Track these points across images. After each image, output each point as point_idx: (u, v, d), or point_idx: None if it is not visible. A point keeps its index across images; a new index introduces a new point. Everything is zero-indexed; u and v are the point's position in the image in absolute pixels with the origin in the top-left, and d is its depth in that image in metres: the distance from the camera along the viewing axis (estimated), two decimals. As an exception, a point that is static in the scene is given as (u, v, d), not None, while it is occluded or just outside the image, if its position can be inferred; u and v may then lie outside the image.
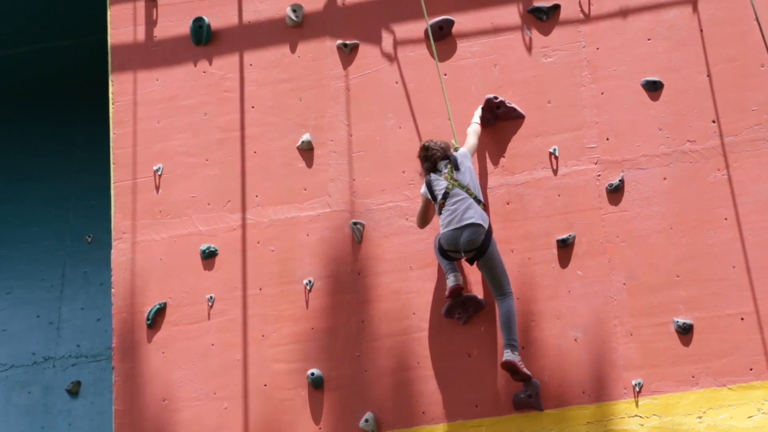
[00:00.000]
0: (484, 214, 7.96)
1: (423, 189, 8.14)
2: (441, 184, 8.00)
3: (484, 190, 8.35)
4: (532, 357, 8.07)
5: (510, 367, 7.86)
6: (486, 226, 7.91)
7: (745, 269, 7.98)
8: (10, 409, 10.75)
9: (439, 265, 8.31)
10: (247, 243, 8.77)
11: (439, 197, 7.99)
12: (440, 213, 8.00)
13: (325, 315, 8.48)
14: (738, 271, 7.99)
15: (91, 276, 11.16)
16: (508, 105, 8.51)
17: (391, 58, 8.95)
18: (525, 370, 7.89)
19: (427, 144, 8.14)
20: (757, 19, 8.19)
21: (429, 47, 8.88)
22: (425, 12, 8.63)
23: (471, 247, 7.87)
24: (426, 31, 8.82)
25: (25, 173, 11.82)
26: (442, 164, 8.04)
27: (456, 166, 8.01)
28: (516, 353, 7.87)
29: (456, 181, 7.99)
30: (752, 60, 8.37)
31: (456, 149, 8.19)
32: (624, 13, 8.66)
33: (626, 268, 8.16)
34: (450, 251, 7.97)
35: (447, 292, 8.12)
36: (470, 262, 8.05)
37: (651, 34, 8.59)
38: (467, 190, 7.96)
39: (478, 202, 7.96)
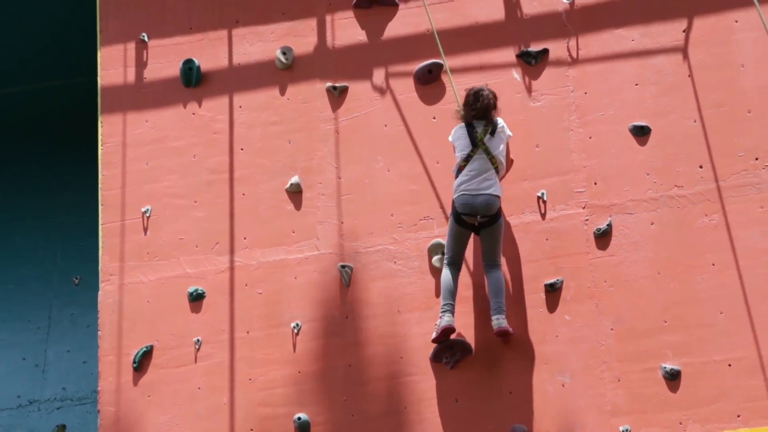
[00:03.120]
0: (500, 186, 8.03)
1: (450, 137, 8.22)
2: (467, 143, 8.06)
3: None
4: (519, 402, 8.04)
5: (504, 334, 7.97)
6: (501, 197, 8.01)
7: (732, 315, 7.96)
8: (-5, 452, 10.70)
9: (437, 291, 8.30)
10: (234, 285, 8.75)
11: (460, 159, 8.06)
12: (458, 175, 8.05)
13: (312, 358, 8.45)
14: (726, 317, 7.98)
15: (78, 318, 11.11)
16: None
17: (381, 100, 8.97)
18: (510, 330, 8.01)
19: (480, 91, 8.10)
20: None
21: (418, 90, 8.90)
22: (439, 44, 8.64)
23: (487, 212, 7.93)
24: (424, 70, 8.85)
25: (12, 214, 11.79)
26: (479, 123, 8.10)
27: (493, 131, 8.06)
28: (504, 317, 7.94)
29: (485, 145, 8.02)
30: (740, 106, 8.38)
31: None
32: (612, 57, 8.69)
33: (614, 313, 8.14)
34: (465, 214, 7.97)
35: (437, 332, 8.04)
36: (477, 230, 8.05)
37: (639, 79, 8.60)
38: (492, 157, 8.01)
39: (497, 171, 8.03)
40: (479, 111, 8.09)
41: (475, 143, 8.07)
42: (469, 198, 7.97)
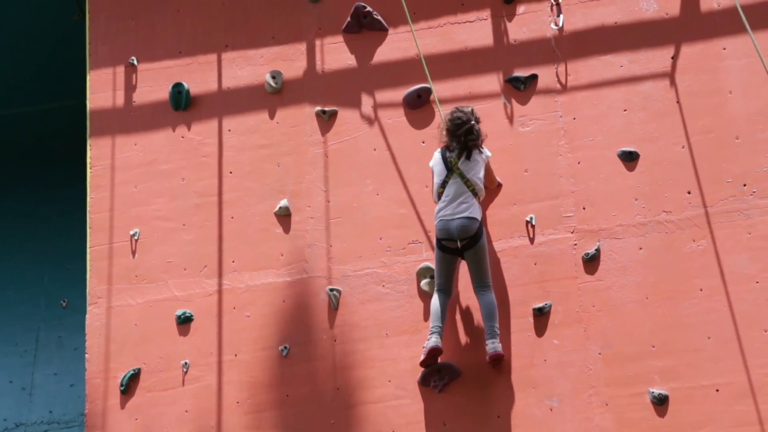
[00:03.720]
0: (478, 208, 8.07)
1: (431, 162, 8.32)
2: (442, 168, 8.16)
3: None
4: (507, 426, 8.03)
5: (498, 359, 7.96)
6: (479, 219, 8.03)
7: (720, 340, 7.97)
8: (-20, 476, 10.64)
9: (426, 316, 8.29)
10: (223, 308, 8.73)
11: (437, 185, 8.14)
12: (437, 200, 8.14)
13: (300, 382, 8.43)
14: (713, 342, 7.99)
15: (66, 341, 11.07)
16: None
17: (370, 125, 8.99)
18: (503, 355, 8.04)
19: (471, 127, 8.14)
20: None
21: (407, 114, 8.93)
22: (426, 69, 8.68)
23: (464, 235, 7.96)
24: (414, 95, 8.89)
25: (-1, 237, 11.81)
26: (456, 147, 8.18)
27: (468, 155, 8.11)
28: (498, 341, 7.95)
29: (459, 169, 8.08)
30: (727, 132, 8.42)
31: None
32: (600, 83, 8.73)
33: (602, 337, 8.14)
34: (444, 239, 8.01)
35: (425, 353, 8.03)
36: (461, 254, 8.06)
37: (627, 105, 8.64)
38: (467, 181, 8.04)
39: (475, 194, 8.06)
40: (467, 145, 8.12)
41: (450, 168, 8.11)
42: (446, 223, 8.02)
